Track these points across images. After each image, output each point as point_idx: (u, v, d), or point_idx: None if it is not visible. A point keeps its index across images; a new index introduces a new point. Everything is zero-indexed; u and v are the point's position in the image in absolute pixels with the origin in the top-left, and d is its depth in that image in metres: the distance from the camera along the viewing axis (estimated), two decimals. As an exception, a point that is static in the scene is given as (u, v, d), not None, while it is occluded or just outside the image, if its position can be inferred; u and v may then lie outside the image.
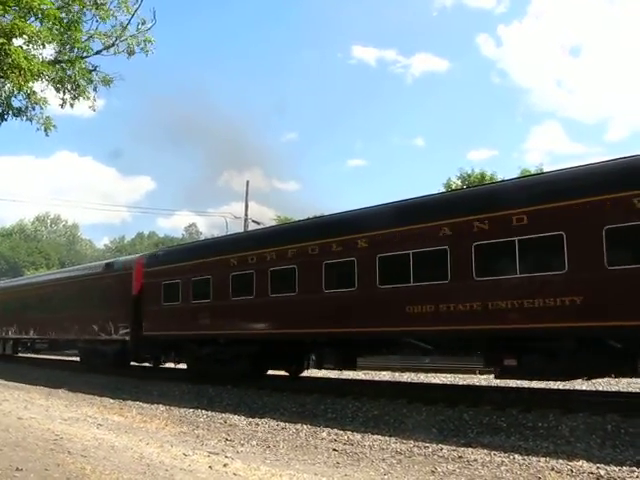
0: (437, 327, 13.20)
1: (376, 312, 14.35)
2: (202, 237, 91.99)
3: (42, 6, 11.32)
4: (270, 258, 17.17)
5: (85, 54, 12.98)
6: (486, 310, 12.18)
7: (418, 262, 13.58)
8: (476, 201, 13.43)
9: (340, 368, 17.11)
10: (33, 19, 11.80)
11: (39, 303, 30.22)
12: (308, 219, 22.94)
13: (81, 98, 13.15)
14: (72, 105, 13.16)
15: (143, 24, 13.18)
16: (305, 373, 19.65)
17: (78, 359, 28.85)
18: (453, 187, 40.24)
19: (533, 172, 36.70)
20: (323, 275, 15.66)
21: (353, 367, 17.12)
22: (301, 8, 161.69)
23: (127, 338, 22.72)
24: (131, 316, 22.47)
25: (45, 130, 12.91)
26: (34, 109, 12.76)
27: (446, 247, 13.01)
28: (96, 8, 12.73)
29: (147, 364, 24.09)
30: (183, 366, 22.22)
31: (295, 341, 16.97)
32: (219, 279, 18.89)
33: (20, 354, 35.74)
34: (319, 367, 17.80)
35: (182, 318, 20.07)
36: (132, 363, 24.71)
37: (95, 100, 13.48)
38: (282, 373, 19.53)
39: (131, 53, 13.30)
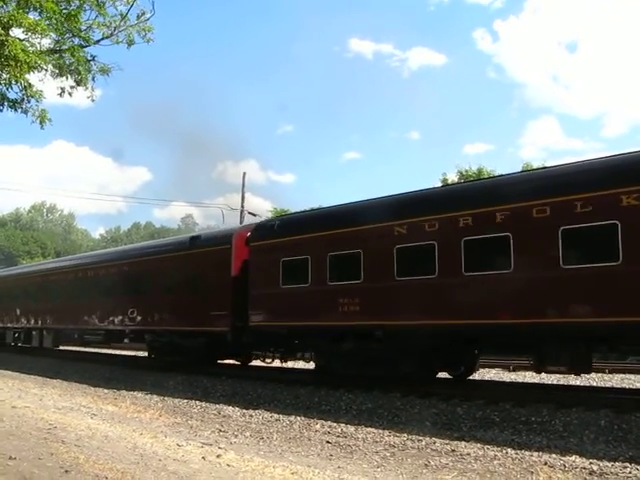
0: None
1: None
2: (198, 229, 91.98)
3: None
4: (464, 224, 12.99)
5: (85, 43, 12.94)
6: None
7: None
8: None
9: (574, 371, 12.77)
10: (32, 11, 11.79)
11: (92, 287, 25.18)
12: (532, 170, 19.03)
13: (80, 88, 13.14)
14: (70, 94, 13.13)
15: (142, 15, 13.18)
16: (301, 365, 19.64)
17: (144, 354, 24.55)
18: (450, 182, 39.74)
19: (536, 167, 36.17)
20: (560, 245, 11.51)
21: (588, 369, 12.59)
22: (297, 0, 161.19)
23: (224, 329, 18.13)
24: (230, 302, 18.02)
25: (40, 123, 12.86)
26: (29, 102, 12.71)
27: None
28: (97, 5, 12.71)
29: (233, 361, 21.03)
30: (294, 364, 19.93)
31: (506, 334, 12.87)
32: (375, 254, 14.51)
33: (63, 347, 31.32)
34: (538, 370, 13.18)
35: (312, 304, 15.73)
36: (220, 360, 21.16)
37: (94, 90, 13.46)
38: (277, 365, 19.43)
39: (130, 43, 13.29)
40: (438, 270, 13.25)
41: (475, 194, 13.95)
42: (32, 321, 29.87)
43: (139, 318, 22.00)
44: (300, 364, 19.57)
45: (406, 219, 14.03)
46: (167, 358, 21.33)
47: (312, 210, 19.04)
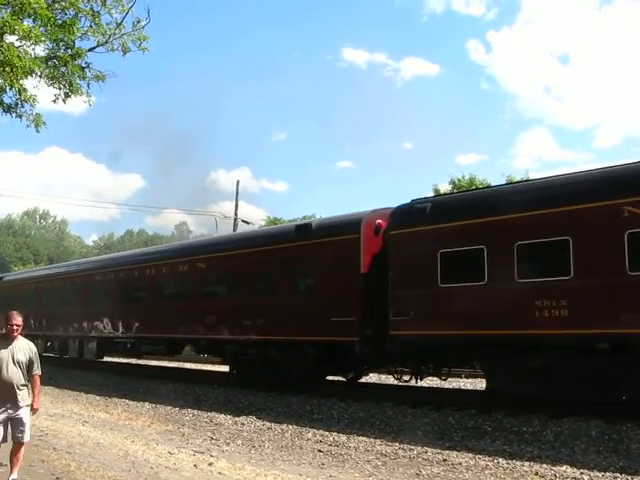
0: None
1: None
2: (192, 236, 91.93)
3: (34, 5, 11.33)
4: None
5: (78, 56, 12.98)
6: None
7: None
8: None
9: None
10: (27, 18, 11.82)
11: (152, 288, 21.32)
12: None
13: (73, 95, 13.17)
14: (64, 101, 13.16)
15: (138, 22, 13.24)
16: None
17: (224, 369, 20.73)
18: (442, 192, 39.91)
19: (519, 179, 36.48)
20: None
21: None
22: (291, 9, 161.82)
23: (351, 339, 14.44)
24: (359, 306, 14.47)
25: (35, 127, 12.90)
26: (24, 106, 12.75)
27: None
28: (92, 15, 12.77)
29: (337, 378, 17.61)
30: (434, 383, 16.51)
31: None
32: (594, 241, 11.35)
33: (108, 358, 26.65)
34: None
35: (490, 308, 12.52)
36: (328, 377, 17.35)
37: (90, 96, 13.51)
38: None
39: (125, 51, 13.33)
40: None
41: None
42: (69, 328, 25.56)
43: (219, 325, 17.99)
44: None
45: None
46: (257, 374, 17.19)
47: (484, 188, 14.36)
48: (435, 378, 17.63)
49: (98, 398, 17.22)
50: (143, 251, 28.44)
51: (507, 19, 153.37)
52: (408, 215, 14.16)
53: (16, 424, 7.47)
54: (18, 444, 7.51)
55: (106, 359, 26.56)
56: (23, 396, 7.54)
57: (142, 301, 21.89)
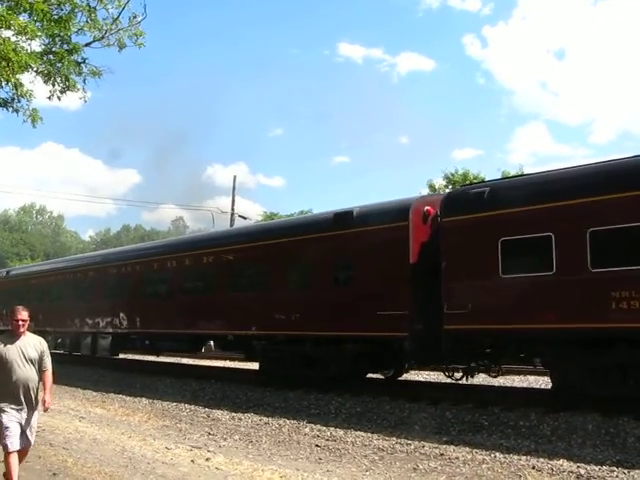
0: None
1: None
2: (188, 231, 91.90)
3: (30, 0, 11.30)
4: None
5: (74, 51, 12.94)
6: None
7: None
8: None
9: None
10: (22, 13, 11.78)
11: (173, 281, 20.18)
12: None
13: (69, 91, 13.14)
14: (59, 98, 13.13)
15: (134, 18, 13.20)
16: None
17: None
18: (437, 187, 39.87)
19: (514, 173, 36.58)
20: None
21: None
22: (288, 4, 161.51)
23: (400, 334, 13.51)
24: (409, 299, 13.48)
25: (32, 122, 12.86)
26: (20, 101, 12.71)
27: None
28: (88, 10, 12.73)
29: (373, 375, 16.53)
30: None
31: None
32: None
33: (123, 355, 25.58)
34: None
35: (560, 300, 11.46)
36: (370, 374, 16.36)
37: (85, 92, 13.46)
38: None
39: (122, 46, 13.29)
40: None
41: None
42: (82, 324, 24.23)
43: (249, 320, 16.93)
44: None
45: None
46: (289, 372, 16.10)
47: (551, 170, 13.18)
48: (431, 373, 17.64)
49: (95, 394, 17.20)
50: (163, 242, 27.27)
51: (503, 14, 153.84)
52: (463, 201, 13.23)
53: (27, 427, 6.91)
54: (25, 448, 6.99)
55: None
56: (37, 397, 7.05)
57: (162, 295, 20.75)
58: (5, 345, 6.88)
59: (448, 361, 13.97)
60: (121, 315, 21.97)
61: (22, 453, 6.97)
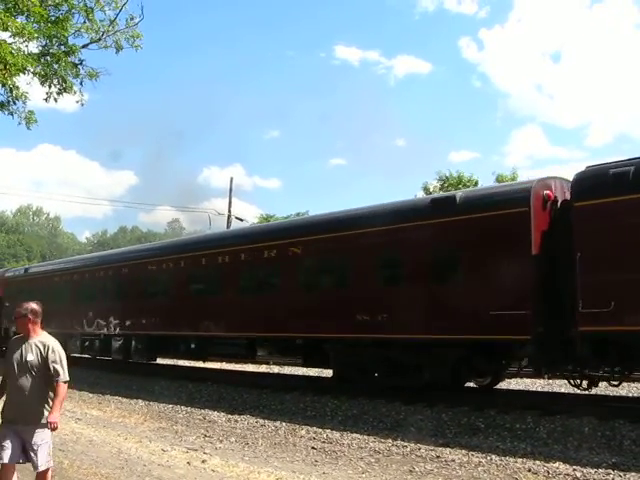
0: None
1: None
2: (185, 233, 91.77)
3: (27, 2, 11.32)
4: None
5: (71, 53, 12.94)
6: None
7: None
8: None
9: None
10: (19, 15, 11.80)
11: (227, 279, 17.81)
12: None
13: (66, 93, 13.15)
14: (56, 100, 13.13)
15: (132, 19, 13.22)
16: (287, 370, 19.53)
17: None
18: (431, 190, 39.84)
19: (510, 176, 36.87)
20: None
21: None
22: (284, 8, 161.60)
23: (521, 337, 11.72)
24: (532, 297, 11.64)
25: (27, 125, 12.87)
26: (15, 104, 12.71)
27: None
28: (85, 11, 12.74)
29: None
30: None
31: None
32: None
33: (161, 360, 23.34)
34: None
35: None
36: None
37: (82, 94, 13.46)
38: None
39: (119, 48, 13.31)
40: None
41: None
42: (113, 325, 21.99)
43: (322, 322, 14.98)
44: (288, 370, 18.83)
45: None
46: (372, 380, 14.62)
47: None
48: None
49: (91, 395, 17.17)
50: (214, 235, 23.89)
51: (499, 17, 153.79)
52: (601, 183, 11.33)
53: (29, 446, 5.87)
54: (37, 473, 5.98)
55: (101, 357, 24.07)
56: (36, 411, 5.92)
57: (211, 293, 18.56)
58: (12, 347, 6.13)
59: (580, 367, 11.99)
60: (161, 315, 19.98)
61: (37, 476, 6.03)
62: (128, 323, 21.28)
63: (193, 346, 19.58)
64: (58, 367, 5.97)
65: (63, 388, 5.97)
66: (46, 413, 5.91)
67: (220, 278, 18.08)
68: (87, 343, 23.89)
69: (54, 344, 6.05)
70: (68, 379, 6.07)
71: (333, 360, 15.38)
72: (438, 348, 12.94)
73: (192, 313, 18.66)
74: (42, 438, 5.90)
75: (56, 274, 27.17)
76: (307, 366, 18.50)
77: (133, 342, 21.59)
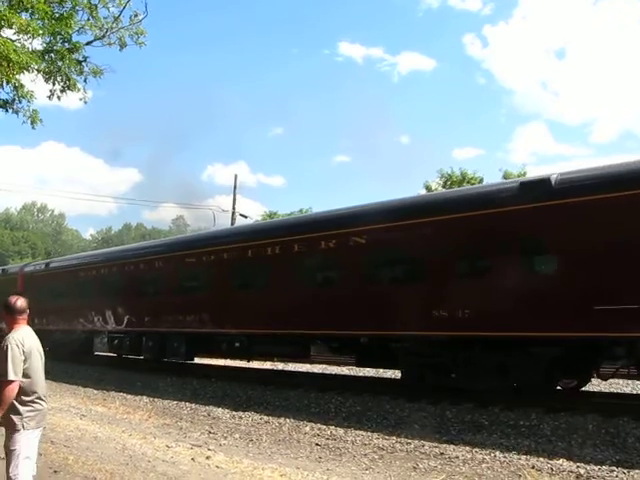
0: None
1: None
2: (189, 230, 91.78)
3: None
4: None
5: (75, 50, 12.96)
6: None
7: None
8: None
9: None
10: (24, 12, 11.81)
11: (276, 270, 16.19)
12: None
13: (70, 90, 13.16)
14: (59, 98, 13.14)
15: (136, 16, 13.23)
16: (290, 367, 19.53)
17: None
18: (434, 188, 39.63)
19: (517, 174, 36.58)
20: None
21: None
22: (288, 4, 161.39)
23: (637, 334, 10.30)
24: None
25: (31, 123, 12.88)
26: (20, 102, 12.73)
27: None
28: (89, 8, 12.76)
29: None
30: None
31: None
32: None
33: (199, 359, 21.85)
34: None
35: None
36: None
37: (86, 92, 13.47)
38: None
39: (123, 45, 13.32)
40: None
41: None
42: (146, 322, 20.62)
43: (391, 318, 13.43)
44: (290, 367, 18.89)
45: None
46: (449, 381, 13.20)
47: None
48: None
49: (96, 392, 17.21)
50: (261, 225, 23.04)
51: (503, 14, 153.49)
52: None
53: None
54: None
55: (103, 353, 24.25)
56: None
57: (260, 287, 16.96)
58: None
59: None
60: (201, 312, 18.42)
61: None
62: (161, 319, 19.87)
63: (237, 344, 18.02)
64: (4, 366, 5.46)
65: (6, 387, 5.44)
66: None
67: (270, 271, 16.49)
68: (116, 341, 22.69)
69: (10, 341, 5.56)
70: (13, 378, 5.46)
71: (403, 360, 14.04)
72: (532, 347, 11.70)
73: (237, 309, 17.08)
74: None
75: (82, 269, 25.25)
76: (361, 366, 17.40)
77: (168, 340, 20.03)
